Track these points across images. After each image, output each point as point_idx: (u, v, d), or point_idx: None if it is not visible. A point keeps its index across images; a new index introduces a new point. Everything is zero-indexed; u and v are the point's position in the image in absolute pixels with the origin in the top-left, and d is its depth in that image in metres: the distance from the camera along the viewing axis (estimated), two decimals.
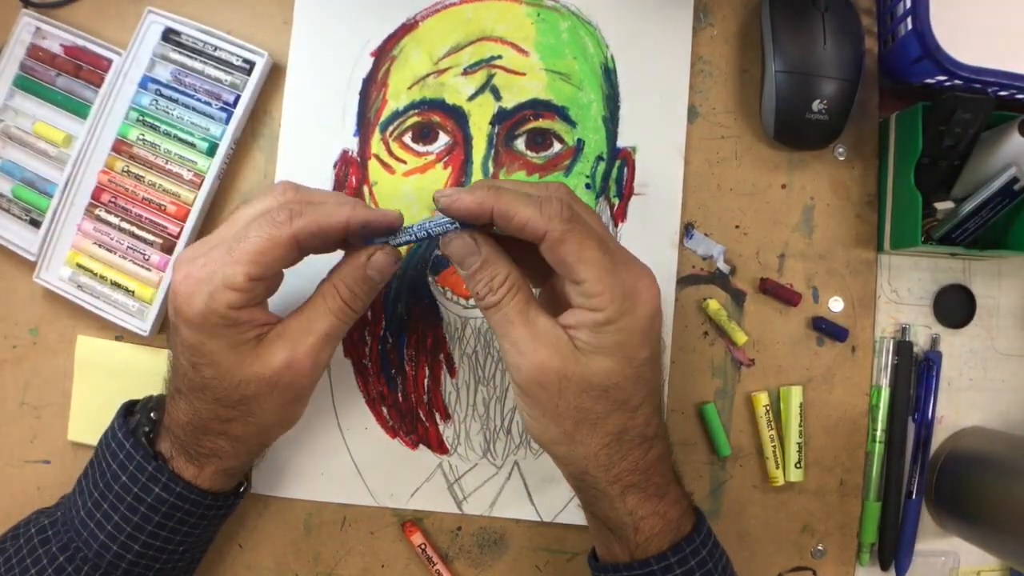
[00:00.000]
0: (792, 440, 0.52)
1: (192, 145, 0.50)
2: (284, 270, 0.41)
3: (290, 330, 0.39)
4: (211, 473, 0.41)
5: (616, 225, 0.52)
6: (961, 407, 0.56)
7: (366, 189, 0.51)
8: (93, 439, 0.51)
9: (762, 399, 0.53)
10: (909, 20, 0.49)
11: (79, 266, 0.50)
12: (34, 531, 0.42)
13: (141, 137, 0.50)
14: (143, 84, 0.50)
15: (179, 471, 0.41)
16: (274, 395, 0.39)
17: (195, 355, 0.38)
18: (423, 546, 0.51)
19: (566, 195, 0.39)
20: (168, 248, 0.50)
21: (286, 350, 0.38)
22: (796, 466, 0.52)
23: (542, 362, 0.37)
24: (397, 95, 0.52)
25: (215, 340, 0.37)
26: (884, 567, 0.54)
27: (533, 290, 0.40)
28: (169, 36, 0.50)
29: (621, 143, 0.53)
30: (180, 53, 0.50)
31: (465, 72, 0.52)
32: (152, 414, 0.43)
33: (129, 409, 0.45)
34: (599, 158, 0.52)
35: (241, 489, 0.46)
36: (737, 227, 0.54)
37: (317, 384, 0.43)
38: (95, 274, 0.50)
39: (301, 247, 0.38)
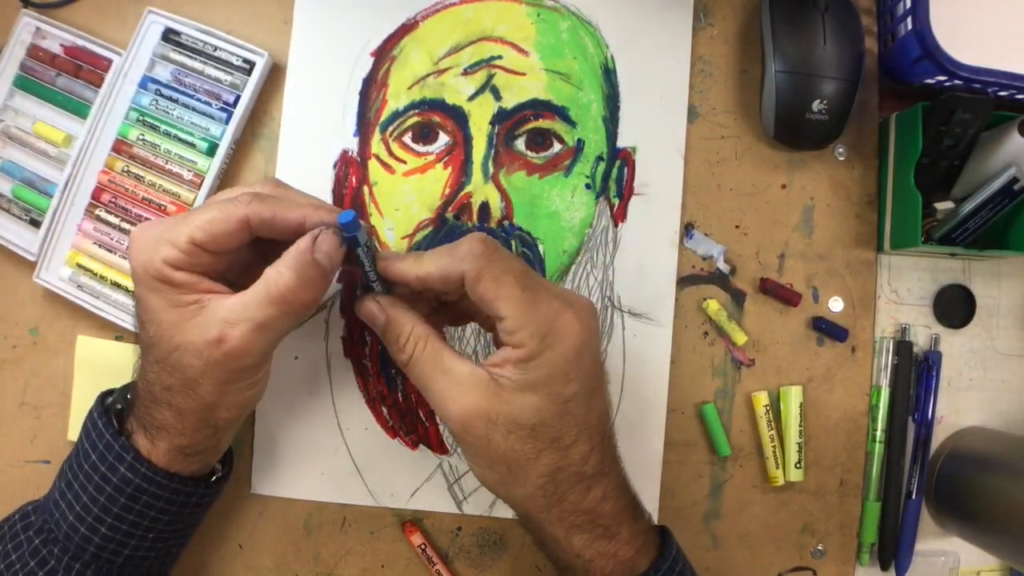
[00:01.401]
0: (792, 440, 0.52)
1: (192, 145, 0.50)
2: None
3: (228, 308, 0.38)
4: (164, 449, 0.40)
5: (616, 225, 0.52)
6: (961, 407, 0.56)
7: (366, 189, 0.51)
8: None
9: (762, 399, 0.53)
10: (909, 20, 0.49)
11: (79, 266, 0.50)
12: (17, 517, 0.43)
13: (141, 137, 0.50)
14: (143, 84, 0.50)
15: (137, 445, 0.41)
16: (209, 370, 0.38)
17: (142, 310, 0.39)
18: (423, 546, 0.51)
19: (479, 238, 0.39)
20: None
21: (219, 327, 0.37)
22: (796, 466, 0.52)
23: (466, 406, 0.37)
24: (397, 95, 0.52)
25: (155, 295, 0.38)
26: (884, 567, 0.54)
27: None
28: (169, 36, 0.50)
29: (621, 143, 0.53)
30: (180, 53, 0.50)
31: (465, 72, 0.52)
32: (128, 395, 0.43)
33: (110, 392, 0.45)
34: (599, 158, 0.52)
35: (213, 479, 0.45)
36: (737, 227, 0.54)
37: (267, 369, 0.42)
38: (95, 274, 0.50)
39: (253, 230, 0.39)
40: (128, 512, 0.40)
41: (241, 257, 0.42)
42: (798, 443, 0.52)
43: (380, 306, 0.40)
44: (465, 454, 0.40)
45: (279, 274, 0.38)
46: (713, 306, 0.52)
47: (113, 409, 0.43)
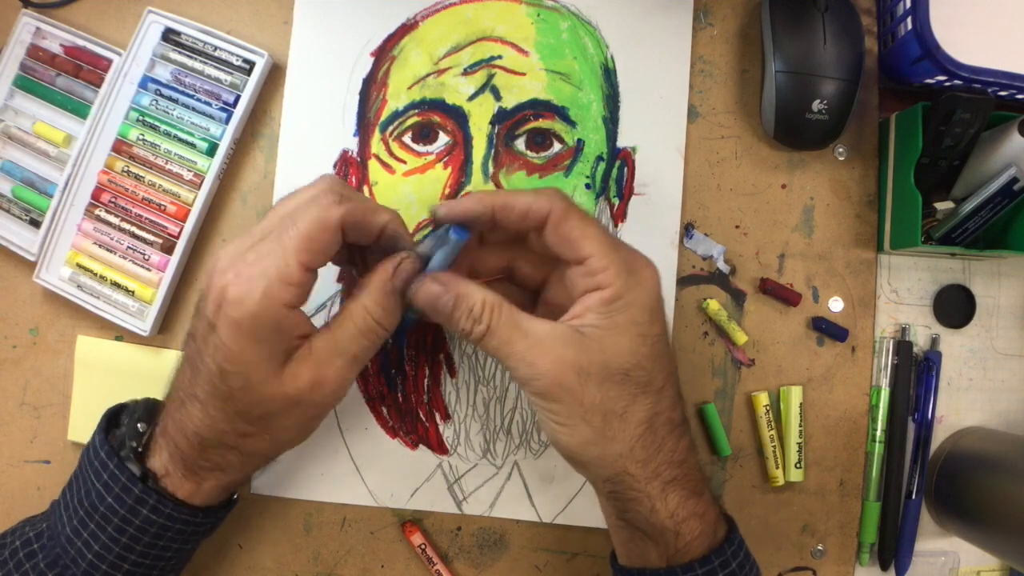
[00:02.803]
0: (792, 440, 0.52)
1: (192, 145, 0.50)
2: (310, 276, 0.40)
3: (318, 350, 0.38)
4: (209, 488, 0.40)
5: (616, 225, 0.52)
6: (961, 407, 0.56)
7: (366, 189, 0.51)
8: None
9: (762, 399, 0.53)
10: (909, 20, 0.49)
11: (79, 266, 0.50)
12: (19, 544, 0.40)
13: (141, 137, 0.50)
14: (143, 84, 0.50)
15: (173, 488, 0.39)
16: (295, 414, 0.38)
17: (229, 362, 0.36)
18: (423, 546, 0.51)
19: (558, 189, 0.40)
20: (168, 248, 0.50)
21: (312, 370, 0.37)
22: (796, 466, 0.52)
23: (556, 360, 0.36)
24: (397, 95, 0.52)
25: (256, 346, 0.36)
26: (884, 567, 0.54)
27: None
28: (169, 36, 0.50)
29: (621, 143, 0.53)
30: (180, 53, 0.50)
31: (465, 72, 0.52)
32: (139, 425, 0.41)
33: (113, 418, 0.42)
34: (599, 158, 0.52)
35: (234, 497, 0.45)
36: (737, 227, 0.54)
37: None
38: (95, 274, 0.50)
39: (346, 235, 0.38)
40: (152, 548, 0.40)
41: None
42: (798, 443, 0.52)
43: (443, 284, 0.38)
44: (554, 414, 0.37)
45: (365, 309, 0.38)
46: (713, 306, 0.52)
47: (127, 446, 0.40)
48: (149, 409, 0.42)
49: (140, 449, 0.40)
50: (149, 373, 0.51)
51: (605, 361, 0.36)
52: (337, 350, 0.38)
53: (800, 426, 0.52)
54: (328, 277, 0.51)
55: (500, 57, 0.52)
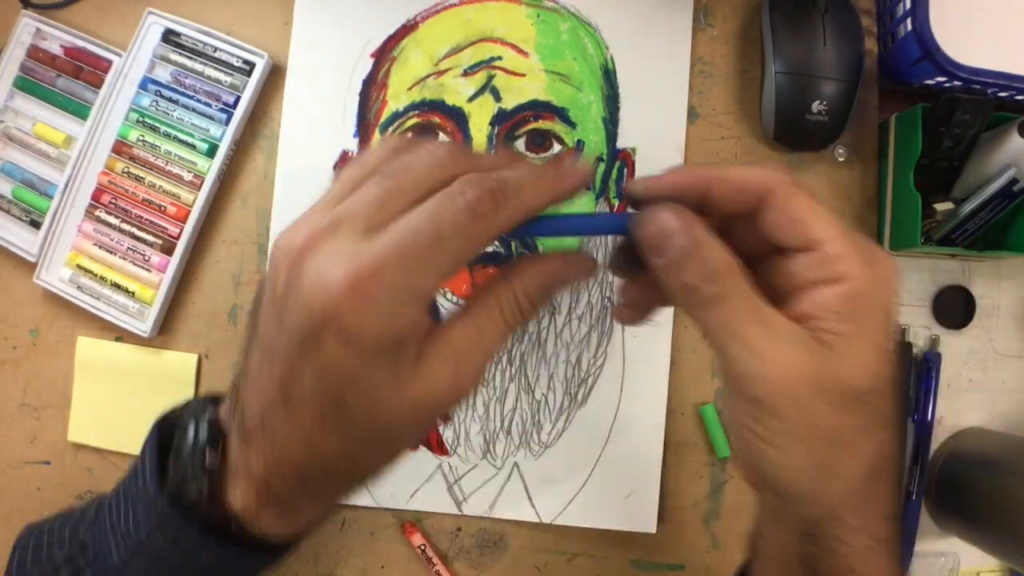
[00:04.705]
0: None
1: (192, 146, 0.50)
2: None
3: (455, 343, 0.29)
4: (303, 522, 0.32)
5: None
6: (961, 408, 0.56)
7: None
8: (93, 440, 0.51)
9: None
10: (909, 21, 0.49)
11: (79, 267, 0.50)
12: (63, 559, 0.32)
13: (141, 138, 0.50)
14: (143, 85, 0.50)
15: (265, 527, 0.31)
16: (423, 422, 0.30)
17: (345, 384, 0.27)
18: (423, 547, 0.51)
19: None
20: (168, 249, 0.50)
21: (451, 367, 0.29)
22: None
23: (790, 365, 0.28)
24: (397, 96, 0.52)
25: (381, 366, 0.27)
26: None
27: None
28: (169, 37, 0.50)
29: (621, 144, 0.53)
30: (180, 54, 0.50)
31: (465, 73, 0.52)
32: (206, 456, 0.31)
33: (161, 446, 0.31)
34: (599, 159, 0.52)
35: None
36: None
37: None
38: (95, 275, 0.50)
39: None
40: None
41: None
42: None
43: (683, 222, 0.28)
44: (765, 432, 0.29)
45: (519, 300, 0.30)
46: None
47: (193, 490, 0.30)
48: (215, 436, 0.32)
49: (209, 487, 0.31)
50: (149, 374, 0.51)
51: (843, 378, 0.28)
52: (479, 343, 0.29)
53: None
54: None
55: (500, 58, 0.52)
